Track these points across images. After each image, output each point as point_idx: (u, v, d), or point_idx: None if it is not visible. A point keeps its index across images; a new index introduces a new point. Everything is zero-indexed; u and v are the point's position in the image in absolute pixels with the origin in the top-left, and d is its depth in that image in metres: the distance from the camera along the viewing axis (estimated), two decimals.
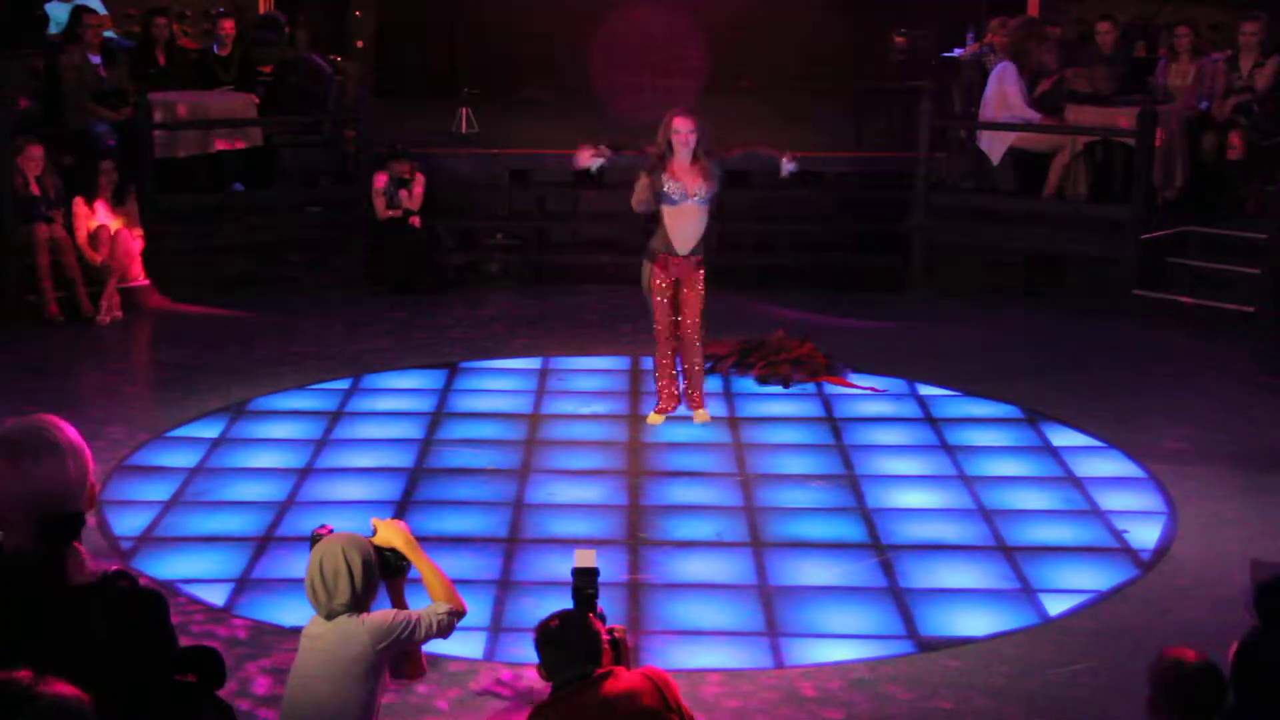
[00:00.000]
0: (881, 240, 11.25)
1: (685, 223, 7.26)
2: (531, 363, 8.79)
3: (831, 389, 8.32)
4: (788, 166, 7.29)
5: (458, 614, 3.57)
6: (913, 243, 10.86)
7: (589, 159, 7.37)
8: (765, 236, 11.46)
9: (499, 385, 8.39)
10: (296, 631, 3.65)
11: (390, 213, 10.67)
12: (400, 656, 3.57)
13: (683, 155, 7.19)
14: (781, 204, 11.53)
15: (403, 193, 10.67)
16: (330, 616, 3.47)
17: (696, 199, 7.23)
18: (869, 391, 8.29)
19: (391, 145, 10.87)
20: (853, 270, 11.03)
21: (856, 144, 12.02)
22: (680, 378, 7.64)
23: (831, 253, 11.22)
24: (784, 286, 10.70)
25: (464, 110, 12.38)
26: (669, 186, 7.22)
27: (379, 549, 3.55)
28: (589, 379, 8.47)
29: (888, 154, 11.62)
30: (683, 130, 7.16)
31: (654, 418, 7.66)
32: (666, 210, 7.26)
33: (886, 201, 11.39)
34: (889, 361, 8.81)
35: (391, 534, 3.57)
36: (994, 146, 10.81)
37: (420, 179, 10.75)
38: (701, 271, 7.33)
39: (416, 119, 12.77)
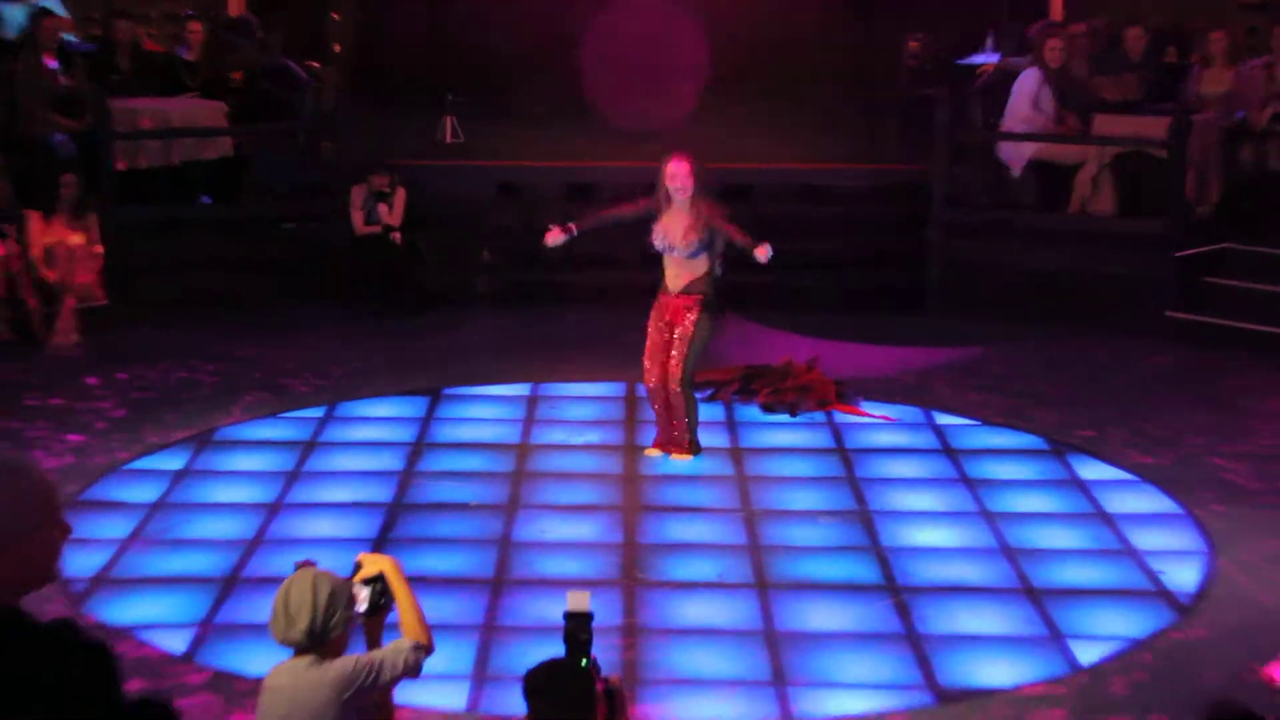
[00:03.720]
0: (895, 258, 11.24)
1: (673, 268, 7.36)
2: (520, 389, 8.76)
3: (842, 418, 8.30)
4: (761, 256, 7.28)
5: (425, 650, 3.57)
6: (928, 260, 10.85)
7: (555, 238, 7.41)
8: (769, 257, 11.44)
9: (485, 413, 8.37)
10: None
11: (369, 228, 10.65)
12: (370, 707, 3.52)
13: (679, 203, 7.21)
14: (786, 219, 11.49)
15: (382, 207, 10.65)
16: (286, 644, 3.44)
17: (678, 252, 7.25)
18: (882, 420, 8.26)
19: (371, 157, 10.85)
20: (864, 290, 11.02)
21: (868, 155, 12.01)
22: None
23: (841, 271, 11.21)
24: (789, 307, 10.67)
25: (448, 119, 12.39)
26: (655, 234, 7.26)
27: (367, 581, 3.55)
28: (582, 407, 8.44)
29: (901, 166, 11.64)
30: (678, 175, 7.19)
31: (652, 450, 7.64)
32: (664, 259, 7.35)
33: (900, 216, 11.39)
34: (903, 388, 8.80)
35: (381, 562, 3.62)
36: (1015, 158, 10.81)
37: (401, 193, 10.74)
38: (693, 313, 7.31)
39: (398, 128, 12.78)
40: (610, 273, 11.01)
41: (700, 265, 7.31)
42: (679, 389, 7.41)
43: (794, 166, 11.89)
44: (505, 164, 11.83)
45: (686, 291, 7.33)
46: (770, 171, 11.75)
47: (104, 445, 7.67)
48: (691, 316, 7.31)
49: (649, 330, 7.46)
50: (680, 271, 7.33)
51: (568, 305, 10.75)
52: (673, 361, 7.38)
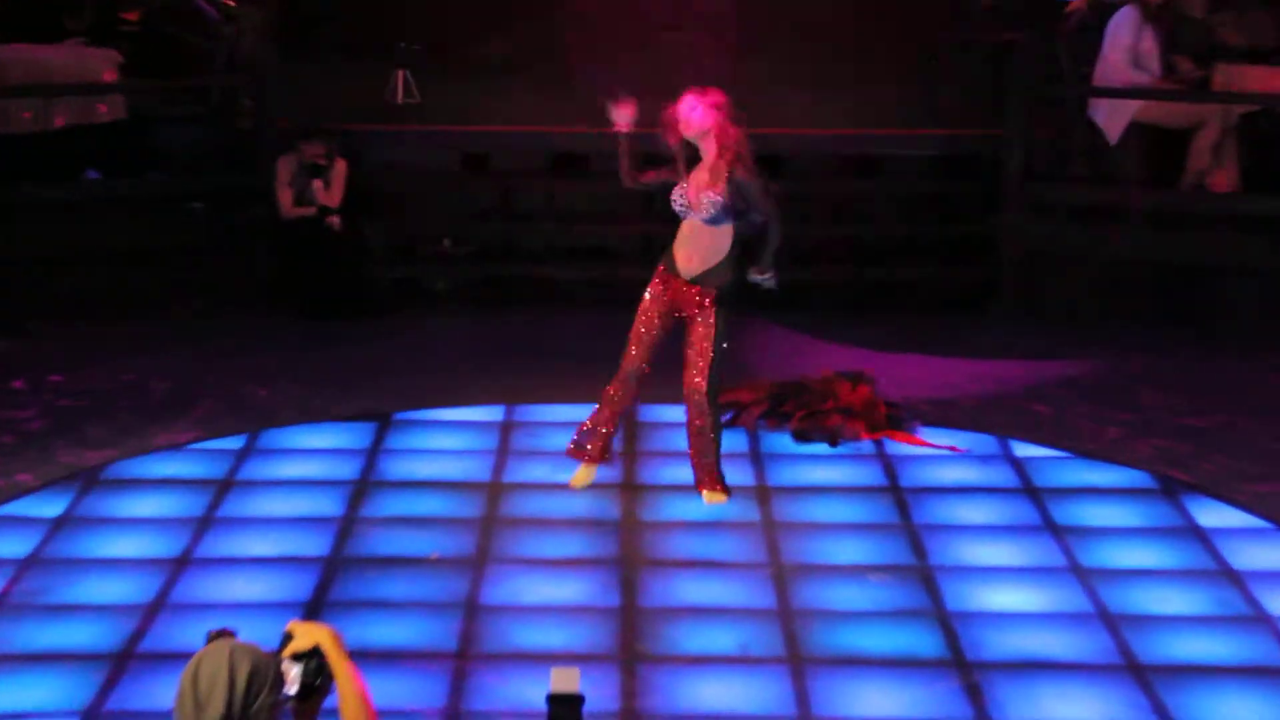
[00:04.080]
0: (960, 246, 11.24)
1: (687, 242, 7.32)
2: (491, 413, 8.76)
3: (895, 448, 8.29)
4: (762, 280, 7.30)
5: None
6: (1003, 250, 10.86)
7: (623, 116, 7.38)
8: (804, 242, 11.45)
9: (447, 443, 8.36)
10: None
11: (300, 211, 10.66)
12: None
13: (703, 151, 7.23)
14: (826, 199, 11.55)
15: (317, 184, 10.65)
16: None
17: (700, 216, 7.24)
18: (947, 452, 8.26)
19: (302, 120, 10.86)
20: (922, 286, 11.01)
21: (927, 119, 12.04)
22: (687, 445, 7.61)
23: (892, 263, 11.21)
24: (830, 310, 10.67)
25: (400, 73, 12.40)
26: (676, 195, 7.28)
27: (299, 656, 3.55)
28: (567, 434, 8.36)
29: (968, 131, 11.66)
30: (690, 116, 7.17)
31: (577, 478, 7.67)
32: (682, 225, 7.37)
33: (967, 195, 11.40)
34: (973, 410, 8.79)
35: (317, 633, 3.60)
36: (1113, 120, 10.82)
37: (341, 166, 10.74)
38: (709, 312, 7.30)
39: (336, 84, 12.78)
40: (603, 266, 11.04)
41: (723, 240, 7.26)
42: (707, 402, 7.40)
43: (833, 133, 11.90)
44: (472, 129, 11.82)
45: (701, 281, 7.32)
46: (804, 139, 11.75)
47: None
48: (709, 316, 7.32)
49: (644, 309, 7.44)
50: (696, 247, 7.29)
51: (551, 306, 10.74)
52: (694, 370, 7.37)
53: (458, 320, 10.65)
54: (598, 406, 7.63)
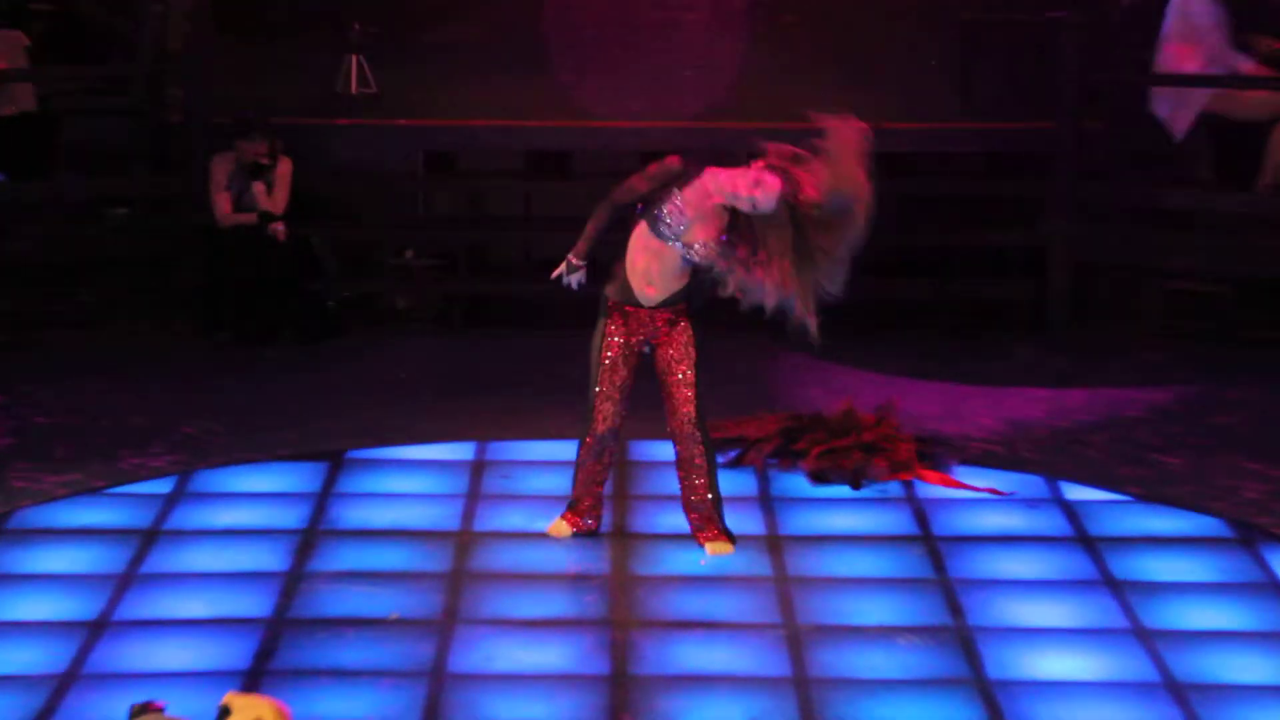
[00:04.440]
0: (1003, 258, 11.24)
1: (649, 268, 7.28)
2: (459, 451, 8.76)
3: (928, 490, 8.29)
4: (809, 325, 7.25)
5: None
6: (1052, 260, 10.87)
7: (571, 273, 7.47)
8: None
9: (408, 486, 8.35)
10: None
11: (239, 218, 10.68)
12: None
13: (730, 205, 7.08)
14: None
15: (258, 187, 10.66)
16: None
17: (689, 253, 7.19)
18: (987, 495, 8.25)
19: (241, 114, 10.88)
20: (959, 305, 11.00)
21: (962, 109, 12.03)
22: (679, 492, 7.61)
23: (924, 278, 11.20)
24: (851, 329, 10.66)
25: (354, 59, 12.39)
26: (667, 212, 7.15)
27: None
28: (548, 476, 8.40)
29: (1010, 125, 11.69)
30: (766, 190, 6.96)
31: (557, 527, 7.69)
32: (640, 236, 7.25)
33: (1009, 199, 11.40)
34: (1018, 447, 8.80)
35: (259, 706, 3.58)
36: (1178, 112, 10.82)
37: (285, 166, 10.78)
38: (681, 327, 7.31)
39: (280, 73, 12.77)
40: (589, 281, 10.98)
41: (685, 275, 7.33)
42: (698, 432, 7.40)
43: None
44: (436, 123, 11.84)
45: (670, 303, 7.33)
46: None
47: None
48: (683, 335, 7.33)
49: (608, 355, 7.41)
50: (662, 274, 7.29)
51: (529, 327, 10.73)
52: (680, 398, 7.37)
53: (421, 343, 10.67)
54: (576, 475, 7.65)
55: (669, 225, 7.20)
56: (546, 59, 12.86)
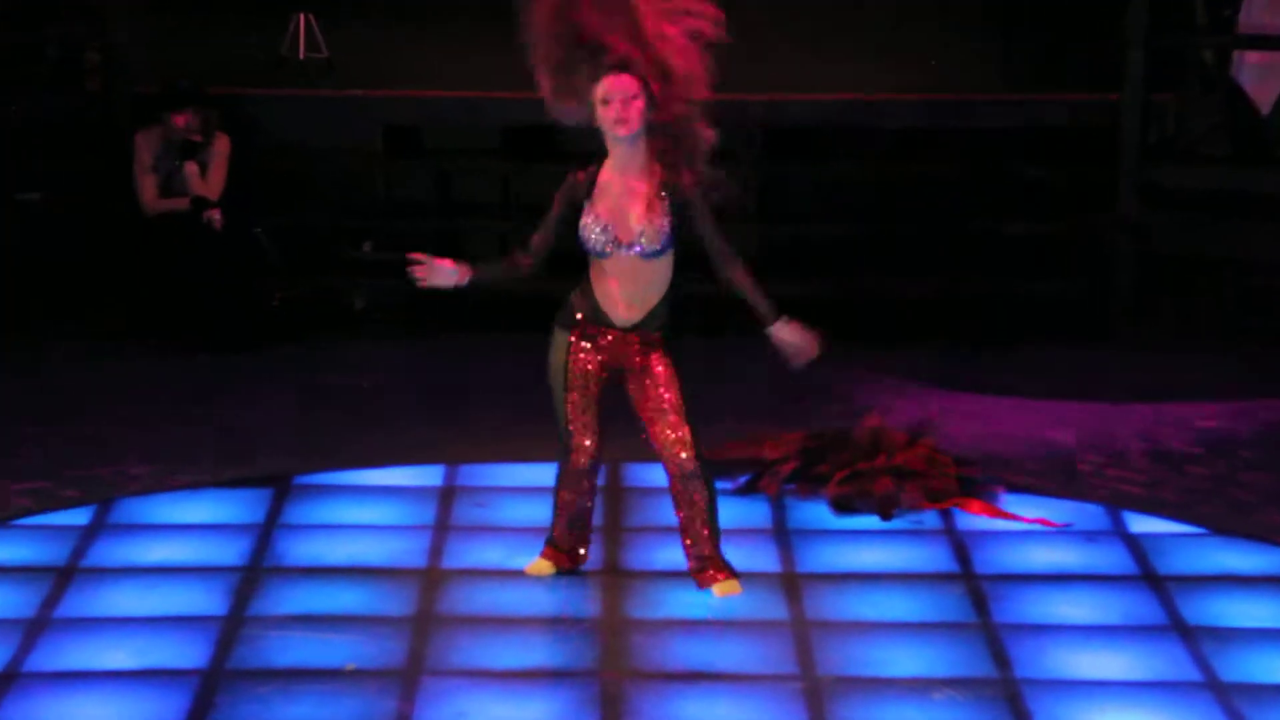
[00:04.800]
0: (1059, 248, 11.24)
1: (616, 285, 7.26)
2: (426, 475, 8.76)
3: (970, 521, 8.28)
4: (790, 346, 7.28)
5: None
6: (1115, 253, 10.86)
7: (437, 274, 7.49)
8: (841, 244, 11.47)
9: (366, 516, 8.34)
10: None
11: (169, 204, 10.69)
12: None
13: (622, 156, 7.12)
14: (881, 186, 11.53)
15: (190, 167, 10.66)
16: None
17: (638, 250, 7.17)
18: (1039, 527, 8.24)
19: (170, 82, 10.86)
20: (1007, 303, 10.99)
21: (1007, 79, 12.04)
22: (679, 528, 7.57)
23: (966, 272, 11.20)
24: (880, 333, 10.65)
25: (301, 19, 12.37)
26: (588, 225, 7.16)
27: None
28: (527, 505, 8.38)
29: (1064, 97, 11.73)
30: (614, 97, 7.09)
31: (537, 566, 7.67)
32: (593, 261, 7.27)
33: (1067, 181, 11.42)
34: (1075, 470, 8.79)
35: None
36: (1264, 83, 10.83)
37: (223, 143, 10.79)
38: (658, 353, 7.29)
39: (216, 35, 12.75)
40: (573, 275, 10.94)
41: (665, 271, 7.23)
42: (696, 464, 7.37)
43: (889, 98, 11.96)
44: (398, 94, 11.86)
45: (644, 327, 7.28)
46: (844, 108, 11.78)
47: None
48: (658, 360, 7.31)
49: (577, 383, 7.39)
50: (632, 290, 7.24)
51: (507, 330, 10.71)
52: (667, 425, 7.34)
53: (382, 349, 10.68)
54: (556, 505, 7.64)
55: (600, 239, 7.18)
56: (516, 13, 12.85)
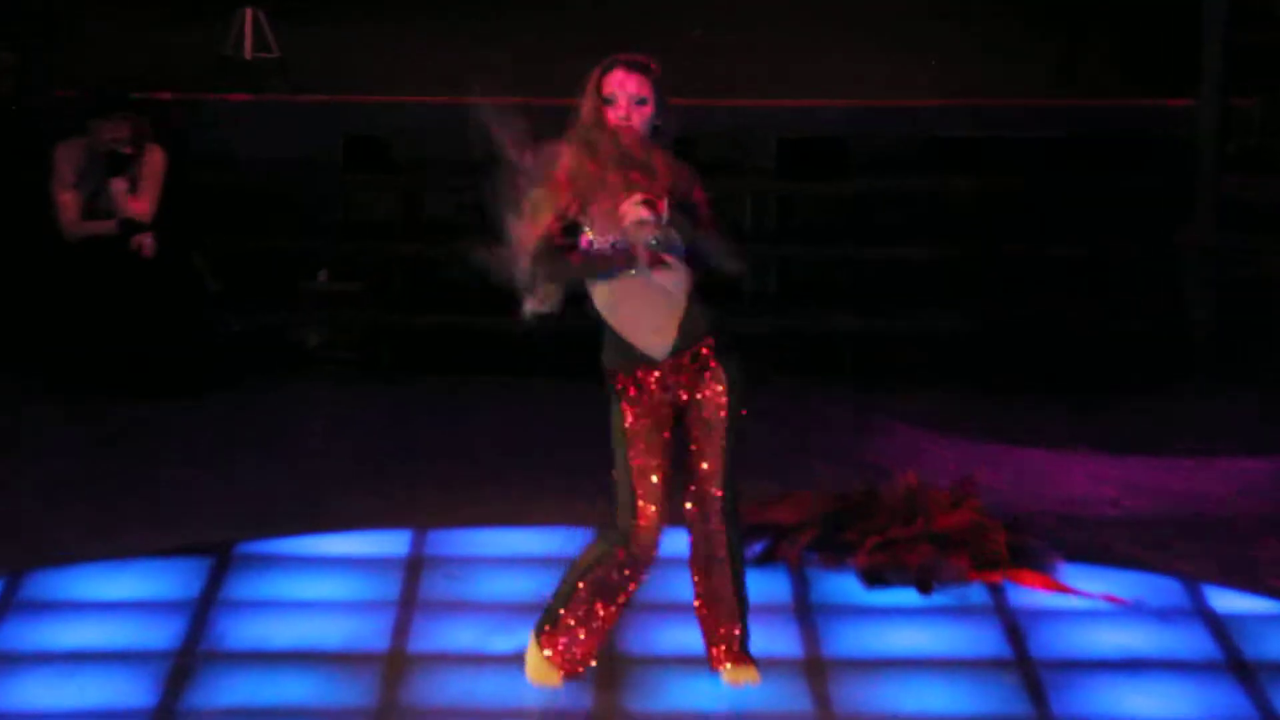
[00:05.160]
0: (1124, 276, 11.25)
1: (639, 312, 7.23)
2: (389, 543, 8.73)
3: (1024, 597, 8.25)
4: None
5: None
6: (1191, 280, 10.90)
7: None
8: (873, 274, 11.45)
9: (319, 591, 8.32)
10: None
11: (93, 226, 10.67)
12: None
13: (623, 159, 7.09)
14: (912, 204, 11.54)
15: (118, 184, 10.64)
16: None
17: (651, 245, 7.16)
18: (1105, 604, 8.21)
19: (96, 86, 10.87)
20: (1059, 338, 10.99)
21: (1063, 82, 12.06)
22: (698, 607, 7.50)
23: (1014, 303, 11.23)
24: (915, 375, 10.64)
25: (248, 13, 12.38)
26: (590, 237, 7.14)
27: None
28: (507, 577, 8.40)
29: (1132, 102, 11.80)
30: (620, 98, 7.08)
31: (539, 667, 7.44)
32: (602, 294, 7.24)
33: (1132, 197, 11.42)
34: (1147, 537, 8.79)
35: None
36: None
37: (156, 157, 10.77)
38: (718, 365, 7.25)
39: (149, 32, 12.75)
40: (565, 314, 10.96)
41: (681, 276, 7.21)
42: (726, 517, 7.33)
43: (923, 105, 12.02)
44: (359, 99, 11.91)
45: (687, 346, 7.23)
46: (876, 114, 11.84)
47: None
48: (717, 383, 7.27)
49: (637, 446, 7.26)
50: (656, 308, 7.22)
51: (485, 371, 10.72)
52: (709, 472, 7.28)
53: (338, 394, 10.70)
54: (573, 589, 7.46)
55: (603, 237, 7.15)
56: (506, 12, 12.89)
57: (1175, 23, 11.49)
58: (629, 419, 7.23)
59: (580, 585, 7.37)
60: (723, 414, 7.25)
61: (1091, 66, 12.30)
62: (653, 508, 7.23)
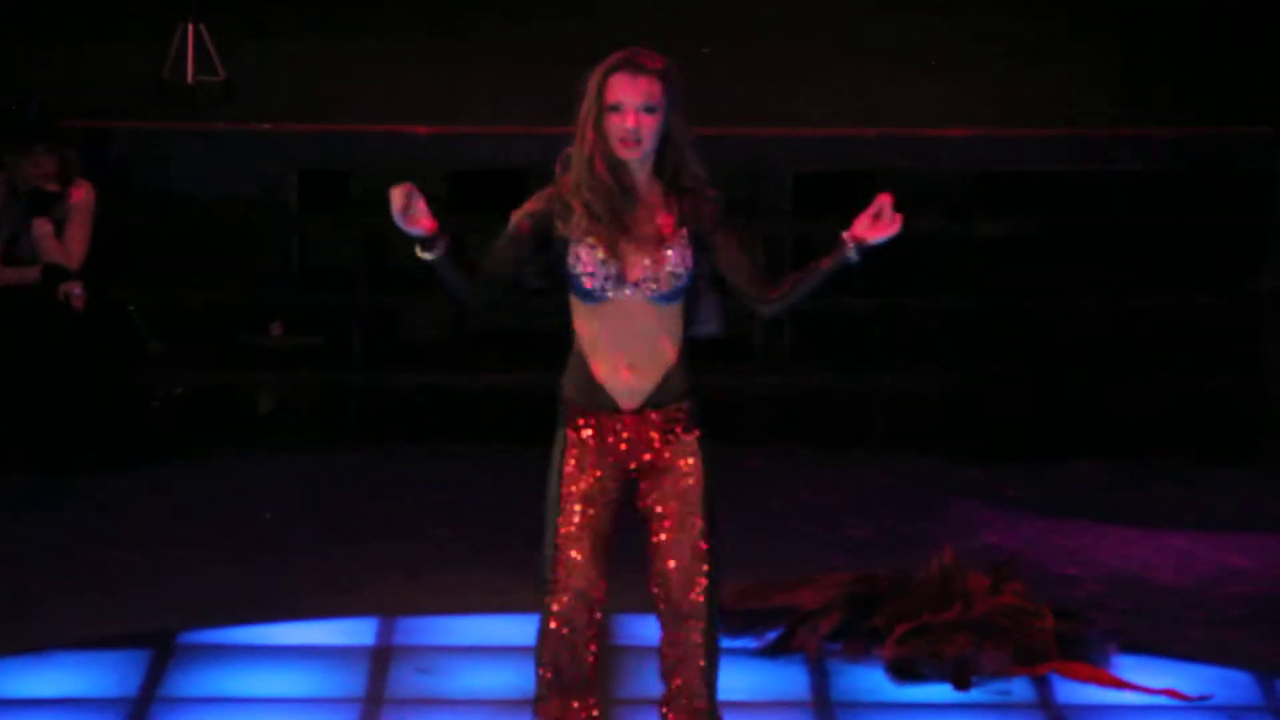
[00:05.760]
0: (1191, 333, 11.28)
1: (616, 344, 7.27)
2: (354, 631, 8.77)
3: (1073, 692, 8.27)
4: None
5: None
6: (1266, 339, 10.94)
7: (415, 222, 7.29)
8: (909, 323, 11.51)
9: (273, 686, 8.32)
10: None
11: (11, 274, 10.72)
12: None
13: (631, 171, 7.12)
14: (953, 249, 11.61)
15: (41, 226, 10.66)
16: None
17: (651, 294, 7.17)
18: (1165, 699, 8.23)
19: (17, 106, 10.96)
20: (1122, 404, 11.03)
21: (1128, 109, 12.14)
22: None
23: (1067, 364, 11.29)
24: (953, 440, 10.70)
25: (189, 31, 12.43)
26: (581, 260, 7.13)
27: None
28: (485, 669, 8.45)
29: (1199, 130, 11.84)
30: (628, 105, 7.10)
31: None
32: (582, 311, 7.23)
33: (1200, 242, 11.46)
34: (1216, 626, 8.80)
35: None
36: None
37: (85, 194, 10.79)
38: (692, 436, 7.25)
39: (80, 52, 12.81)
40: (542, 367, 10.97)
41: (675, 323, 7.23)
42: (704, 605, 7.33)
43: (965, 134, 12.10)
44: (317, 128, 11.96)
45: (661, 401, 7.24)
46: (917, 147, 11.89)
47: None
48: (686, 453, 7.29)
49: (571, 487, 7.17)
50: (636, 348, 7.16)
51: (458, 437, 10.77)
52: (686, 555, 7.20)
53: (294, 462, 10.73)
54: (539, 678, 7.35)
55: (603, 278, 7.15)
56: (474, 29, 12.95)
57: (1255, 42, 11.55)
58: (570, 458, 7.21)
59: (538, 662, 7.26)
60: (697, 479, 7.17)
61: (1162, 91, 12.35)
62: (577, 566, 7.13)
